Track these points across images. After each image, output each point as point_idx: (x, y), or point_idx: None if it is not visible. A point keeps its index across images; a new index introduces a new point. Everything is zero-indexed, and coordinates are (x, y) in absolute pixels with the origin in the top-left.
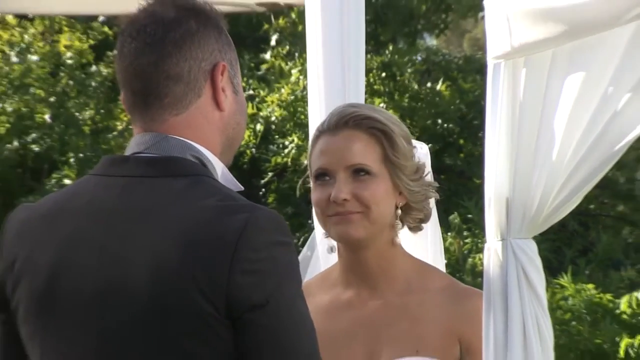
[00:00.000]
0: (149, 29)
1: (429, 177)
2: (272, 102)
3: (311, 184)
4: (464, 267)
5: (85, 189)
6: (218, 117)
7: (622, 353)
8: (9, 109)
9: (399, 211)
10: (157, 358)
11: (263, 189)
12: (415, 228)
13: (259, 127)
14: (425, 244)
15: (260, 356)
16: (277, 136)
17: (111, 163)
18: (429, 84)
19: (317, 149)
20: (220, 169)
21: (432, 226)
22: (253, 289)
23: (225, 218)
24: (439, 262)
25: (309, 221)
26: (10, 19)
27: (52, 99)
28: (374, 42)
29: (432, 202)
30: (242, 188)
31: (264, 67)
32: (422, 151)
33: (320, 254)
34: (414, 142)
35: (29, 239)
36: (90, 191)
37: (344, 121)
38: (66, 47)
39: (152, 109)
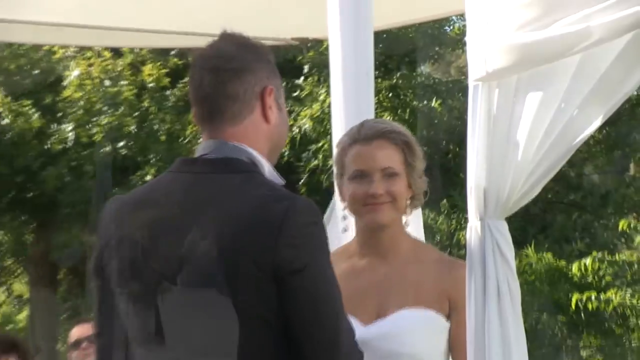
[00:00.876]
0: (215, 61)
1: None
2: (305, 116)
3: (342, 180)
4: (451, 241)
5: (163, 183)
6: (266, 128)
7: (572, 305)
8: (104, 122)
9: (409, 201)
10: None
11: (299, 183)
12: (410, 212)
13: (295, 134)
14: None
15: (299, 309)
16: (310, 144)
17: (183, 163)
18: (424, 102)
19: (353, 153)
20: (267, 168)
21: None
22: (293, 258)
23: (272, 205)
24: (420, 234)
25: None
26: (106, 53)
27: (136, 114)
28: (384, 69)
29: None
30: (284, 182)
31: (302, 93)
32: None
33: (329, 229)
34: None
35: (121, 221)
36: (167, 185)
37: (378, 134)
38: (148, 74)
39: (215, 122)
